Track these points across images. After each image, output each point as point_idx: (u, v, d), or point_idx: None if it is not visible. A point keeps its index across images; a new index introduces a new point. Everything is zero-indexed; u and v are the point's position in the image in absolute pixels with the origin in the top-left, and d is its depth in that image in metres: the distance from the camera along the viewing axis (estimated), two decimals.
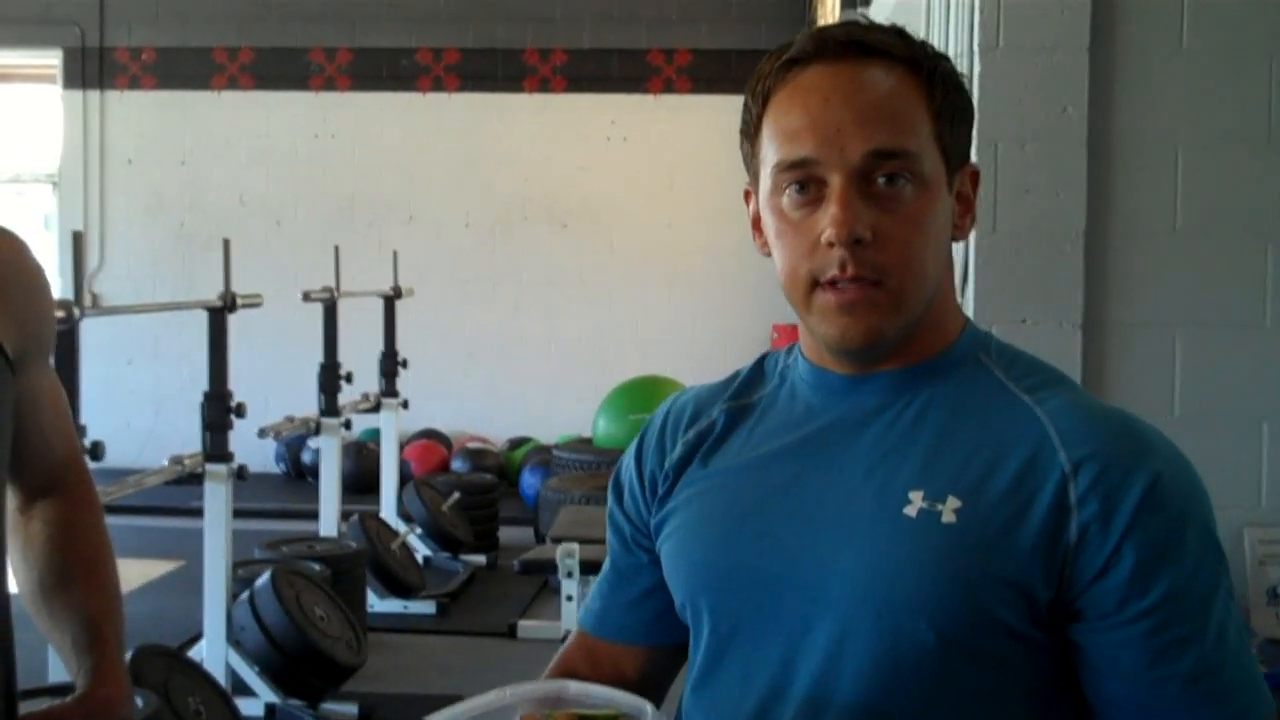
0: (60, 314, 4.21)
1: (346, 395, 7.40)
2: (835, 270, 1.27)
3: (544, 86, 11.20)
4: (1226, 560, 1.25)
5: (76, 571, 1.78)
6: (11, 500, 1.78)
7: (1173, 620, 1.20)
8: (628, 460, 1.52)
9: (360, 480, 9.51)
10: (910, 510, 1.26)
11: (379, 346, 8.18)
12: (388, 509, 8.05)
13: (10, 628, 1.69)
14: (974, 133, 1.36)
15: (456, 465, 10.49)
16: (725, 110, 11.19)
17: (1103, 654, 1.24)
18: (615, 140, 11.27)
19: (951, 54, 4.56)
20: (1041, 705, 1.28)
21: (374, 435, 8.68)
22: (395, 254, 8.43)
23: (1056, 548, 1.22)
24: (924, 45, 1.31)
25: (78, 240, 4.57)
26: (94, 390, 9.53)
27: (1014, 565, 1.22)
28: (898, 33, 1.31)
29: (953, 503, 1.25)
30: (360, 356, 7.77)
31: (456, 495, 8.23)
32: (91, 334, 8.91)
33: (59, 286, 4.29)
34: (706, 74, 11.26)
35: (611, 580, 1.54)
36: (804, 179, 1.28)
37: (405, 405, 8.21)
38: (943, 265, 1.33)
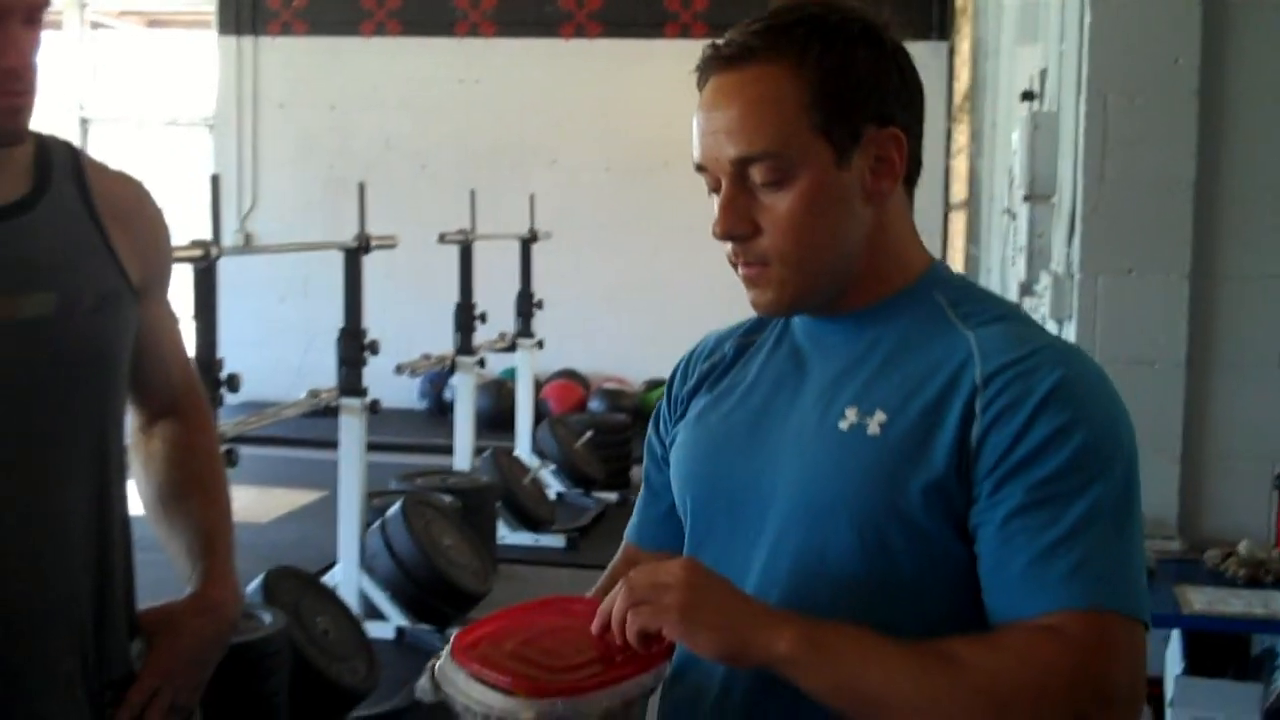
0: (198, 253, 4.45)
1: (483, 335, 7.62)
2: (731, 258, 1.47)
3: (685, 32, 11.28)
4: (1122, 471, 1.35)
5: (191, 486, 1.97)
6: (133, 420, 1.98)
7: (1043, 502, 1.31)
8: (665, 392, 1.70)
9: (498, 417, 9.72)
10: (843, 424, 1.41)
11: (518, 288, 8.39)
12: (522, 445, 8.28)
13: (131, 546, 1.88)
14: (889, 95, 1.45)
15: (593, 405, 10.70)
16: None
17: (981, 534, 1.35)
18: None
19: (1059, 5, 4.59)
20: (963, 618, 1.37)
21: (513, 374, 8.92)
22: (532, 198, 8.62)
23: (964, 451, 1.35)
24: (809, 34, 1.42)
25: (215, 183, 4.79)
26: (247, 326, 9.92)
27: (930, 472, 1.35)
28: (782, 28, 1.42)
29: (879, 416, 1.39)
30: (502, 298, 8.00)
31: (590, 433, 8.43)
32: (245, 272, 9.25)
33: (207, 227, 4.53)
34: None
35: (647, 497, 1.70)
36: (709, 181, 1.46)
37: (540, 345, 8.40)
38: (854, 232, 1.45)
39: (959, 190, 10.05)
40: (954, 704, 1.28)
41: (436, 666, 1.35)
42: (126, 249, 1.82)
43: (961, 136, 9.98)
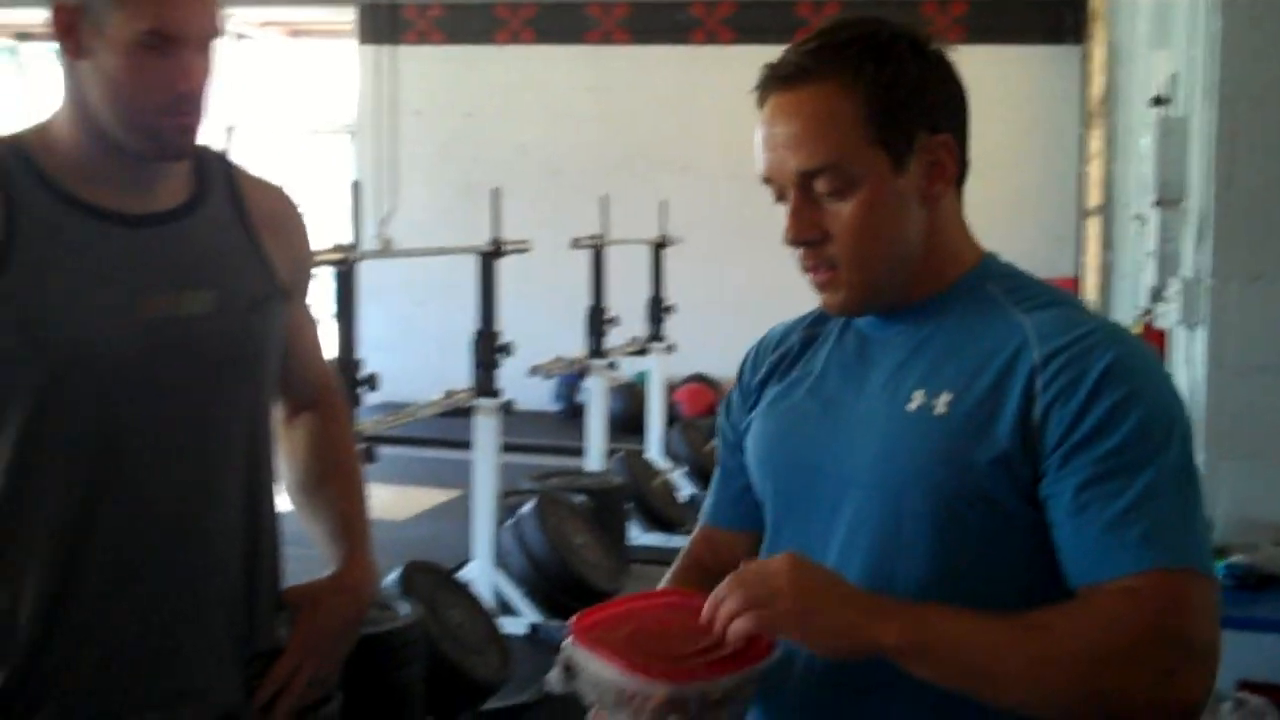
0: (339, 256, 4.61)
1: (615, 339, 7.73)
2: (801, 263, 1.59)
3: None
4: (1179, 441, 1.44)
5: (331, 474, 2.11)
6: (277, 413, 2.11)
7: (1111, 474, 1.41)
8: (736, 380, 1.83)
9: (630, 420, 9.81)
10: (911, 406, 1.52)
11: (649, 293, 8.48)
12: (653, 448, 8.38)
13: (278, 528, 2.01)
14: (946, 100, 1.57)
15: None
16: (998, 62, 11.17)
17: (1050, 505, 1.45)
18: None
19: (1190, 9, 4.57)
20: (1033, 584, 1.47)
21: (645, 378, 9.02)
22: (662, 204, 8.72)
23: (1028, 427, 1.45)
24: (860, 52, 1.52)
25: (356, 189, 4.95)
26: (387, 329, 10.14)
27: (996, 447, 1.45)
28: (835, 48, 1.53)
29: (945, 397, 1.50)
30: (633, 302, 8.10)
31: None
32: (384, 276, 9.46)
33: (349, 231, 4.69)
34: (979, 23, 11.20)
35: (721, 478, 1.81)
36: (775, 191, 1.58)
37: (671, 349, 8.49)
38: (913, 233, 1.56)
39: (1094, 196, 9.96)
40: (1053, 670, 1.37)
41: (565, 646, 1.44)
42: (276, 254, 1.96)
43: (1096, 142, 9.89)
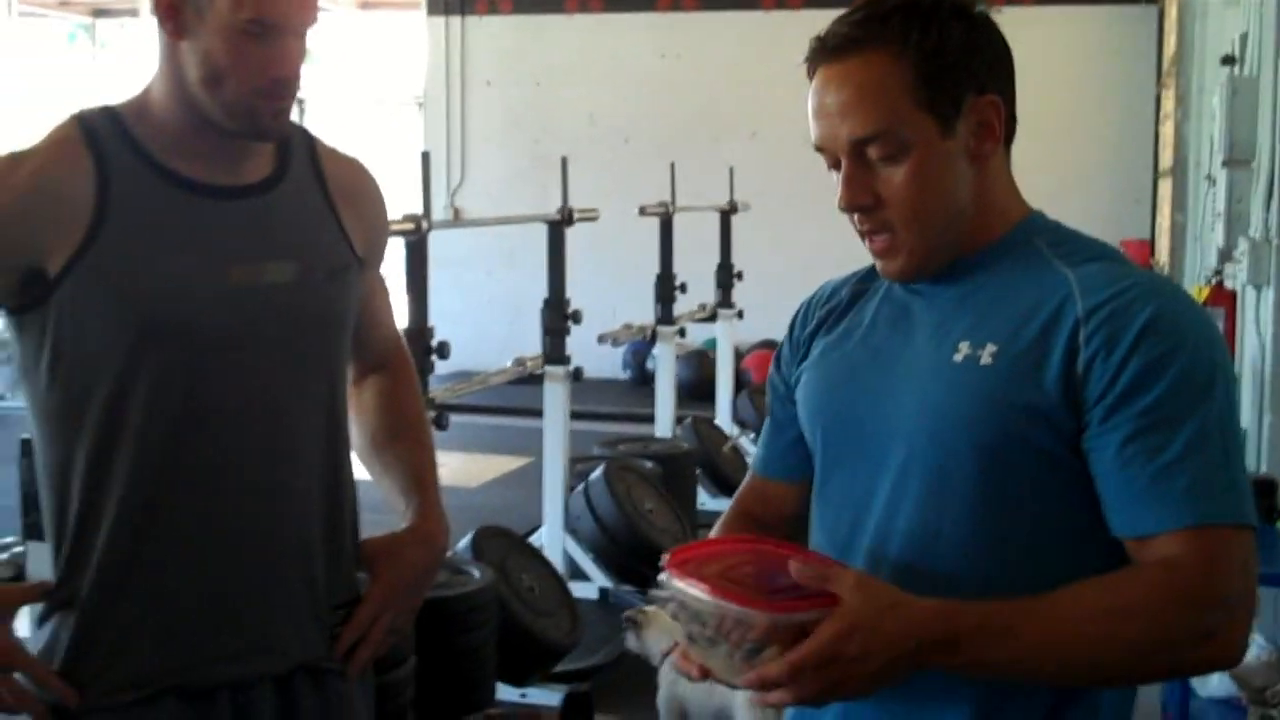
0: (410, 227, 4.67)
1: (684, 305, 7.76)
2: (858, 228, 1.62)
3: None
4: (1222, 392, 1.48)
5: (400, 430, 2.18)
6: (348, 374, 2.17)
7: (1154, 427, 1.45)
8: (786, 334, 1.87)
9: (699, 387, 9.83)
10: (957, 357, 1.56)
11: (718, 259, 8.49)
12: (722, 414, 8.40)
13: (354, 485, 2.07)
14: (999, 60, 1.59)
15: None
16: (1072, 22, 11.06)
17: (1097, 458, 1.49)
18: None
19: None
20: (1076, 530, 1.52)
21: (714, 344, 9.03)
22: (731, 170, 8.71)
23: (1071, 380, 1.49)
24: (905, 20, 1.54)
25: (426, 160, 4.99)
26: (455, 298, 10.22)
27: (1040, 396, 1.50)
28: (880, 18, 1.55)
29: (990, 348, 1.54)
30: (702, 269, 8.12)
31: None
32: (453, 246, 9.55)
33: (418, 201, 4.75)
34: None
35: (771, 430, 1.84)
36: (828, 159, 1.60)
37: (740, 315, 8.50)
38: (963, 192, 1.59)
39: (1167, 157, 9.87)
40: (1111, 652, 1.43)
41: (661, 580, 1.47)
42: (353, 225, 2.03)
43: (1169, 102, 9.79)
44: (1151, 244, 10.84)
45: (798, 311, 1.83)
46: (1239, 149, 4.52)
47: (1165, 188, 9.91)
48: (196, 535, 1.87)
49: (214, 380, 1.86)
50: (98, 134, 1.85)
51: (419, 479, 2.13)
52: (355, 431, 2.16)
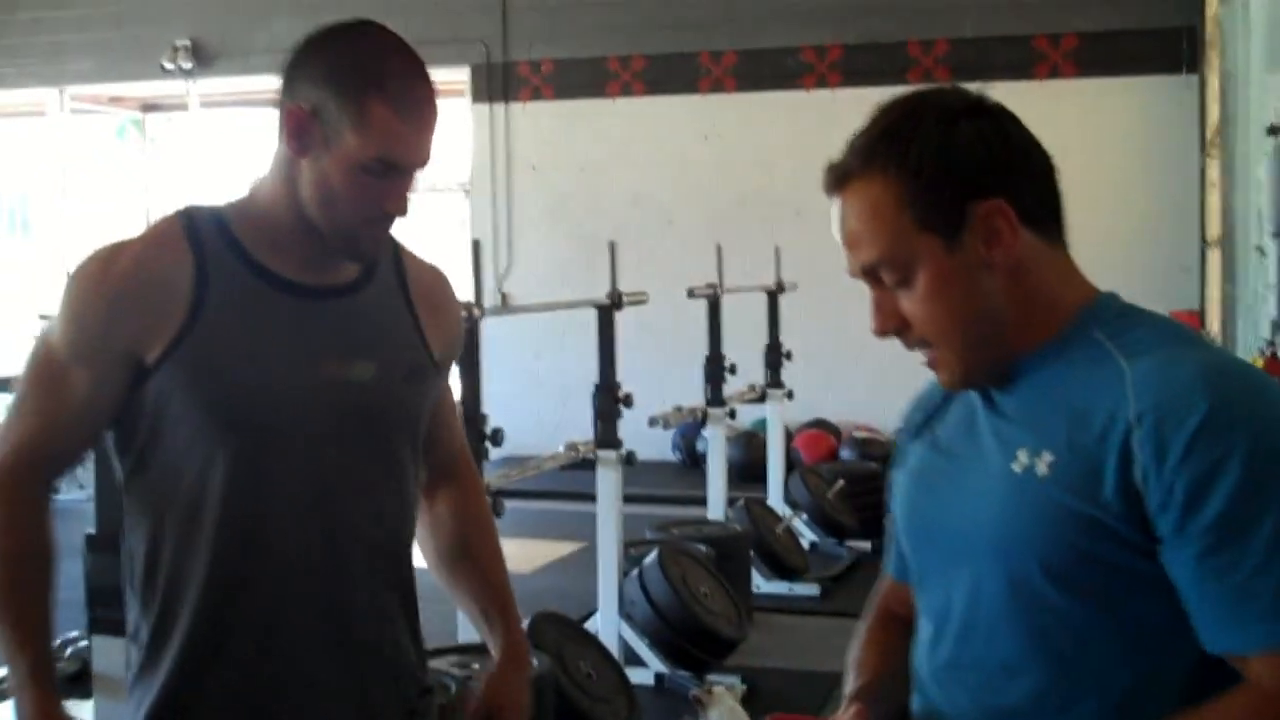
0: (462, 314, 4.68)
1: (733, 386, 7.74)
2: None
3: (927, 77, 11.27)
4: None
5: (476, 549, 2.26)
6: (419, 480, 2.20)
7: (1223, 542, 1.39)
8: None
9: (749, 468, 9.78)
10: (1016, 467, 1.52)
11: (766, 339, 8.49)
12: (774, 495, 8.36)
13: (415, 590, 2.12)
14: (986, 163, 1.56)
15: (844, 454, 10.72)
16: (1112, 94, 11.07)
17: (1175, 573, 1.43)
18: None
19: None
20: (1152, 626, 1.47)
21: (764, 425, 9.01)
22: (777, 250, 8.73)
23: (1131, 491, 1.43)
24: (889, 141, 1.55)
25: (477, 247, 5.03)
26: (504, 383, 10.21)
27: (1101, 508, 1.45)
28: (869, 144, 1.56)
29: (1046, 457, 1.50)
30: (750, 349, 8.11)
31: (841, 483, 8.46)
32: (501, 330, 9.58)
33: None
34: (1092, 55, 11.10)
35: (893, 531, 1.82)
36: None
37: (790, 395, 8.49)
38: (993, 299, 1.56)
39: (1214, 227, 9.82)
40: None
41: None
42: (431, 330, 2.10)
43: (1214, 171, 9.76)
44: (1201, 315, 10.78)
45: (906, 411, 1.83)
46: None
47: (1214, 258, 9.86)
48: (274, 624, 1.94)
49: (294, 472, 1.94)
50: (199, 229, 1.94)
51: (502, 601, 2.25)
52: (428, 544, 2.26)
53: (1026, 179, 1.57)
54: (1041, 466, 1.50)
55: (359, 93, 1.86)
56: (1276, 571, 1.38)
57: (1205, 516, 1.39)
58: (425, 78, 1.94)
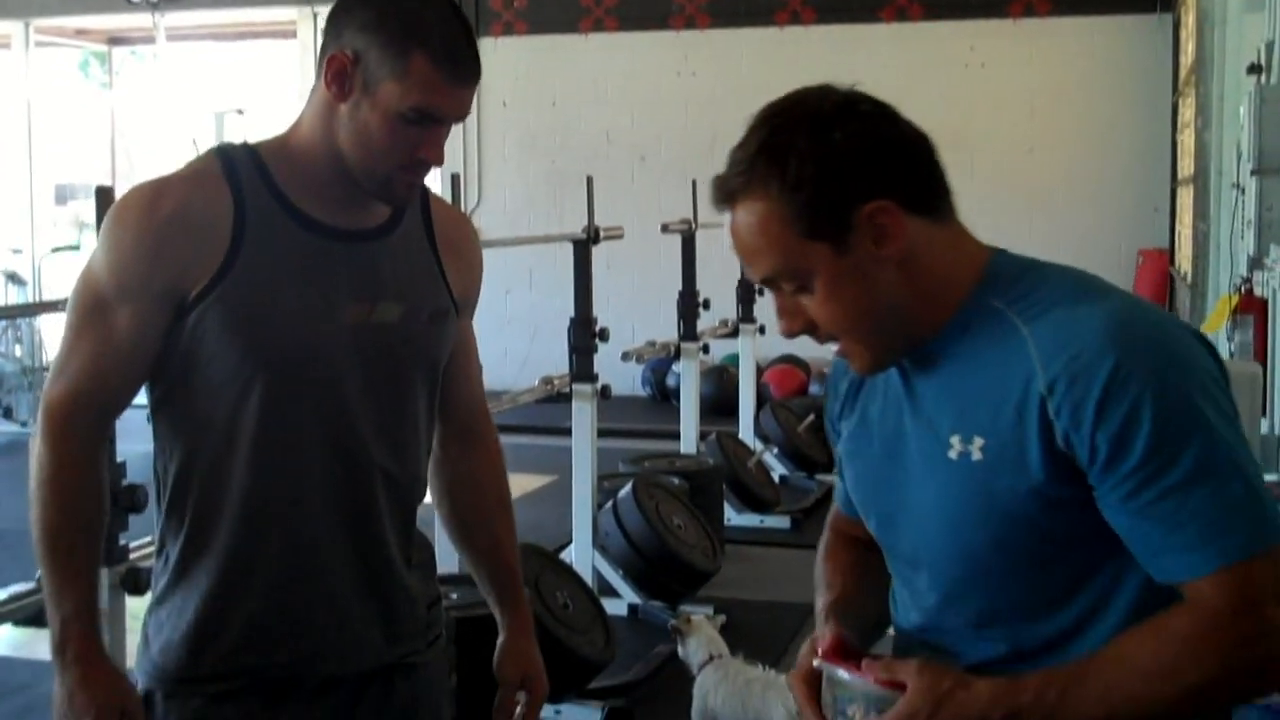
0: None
1: (706, 322, 7.76)
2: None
3: (901, 15, 11.27)
4: (1208, 415, 1.46)
5: (493, 521, 2.33)
6: (436, 433, 2.24)
7: (1148, 481, 1.45)
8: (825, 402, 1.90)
9: (721, 403, 9.85)
10: (952, 454, 1.58)
11: (739, 275, 8.49)
12: (745, 429, 8.40)
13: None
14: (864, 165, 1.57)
15: (814, 389, 10.77)
16: (1086, 33, 11.07)
17: (1109, 516, 1.50)
18: (974, 67, 11.26)
19: None
20: (1108, 562, 1.54)
21: (735, 360, 9.03)
22: None
23: (1056, 455, 1.50)
24: (766, 158, 1.57)
25: (454, 182, 5.02)
26: (476, 318, 10.23)
27: (1034, 479, 1.51)
28: (747, 163, 1.58)
29: (978, 441, 1.56)
30: (723, 285, 8.13)
31: (812, 417, 8.51)
32: None
33: None
34: None
35: (840, 470, 1.86)
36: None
37: (762, 331, 8.49)
38: (890, 291, 1.59)
39: (1186, 165, 9.86)
40: (1168, 704, 1.48)
41: (819, 664, 1.63)
42: (454, 274, 2.15)
43: (1188, 110, 9.79)
44: (1171, 252, 10.83)
45: (827, 384, 1.87)
46: (1269, 157, 4.51)
47: (1186, 196, 9.90)
48: (303, 546, 2.02)
49: (321, 405, 2.00)
50: (236, 168, 1.98)
51: (511, 571, 2.35)
52: (444, 506, 2.33)
53: (905, 173, 1.59)
54: (975, 452, 1.56)
55: (402, 44, 1.90)
56: (1197, 508, 1.44)
57: (1128, 464, 1.46)
58: (468, 34, 1.99)
